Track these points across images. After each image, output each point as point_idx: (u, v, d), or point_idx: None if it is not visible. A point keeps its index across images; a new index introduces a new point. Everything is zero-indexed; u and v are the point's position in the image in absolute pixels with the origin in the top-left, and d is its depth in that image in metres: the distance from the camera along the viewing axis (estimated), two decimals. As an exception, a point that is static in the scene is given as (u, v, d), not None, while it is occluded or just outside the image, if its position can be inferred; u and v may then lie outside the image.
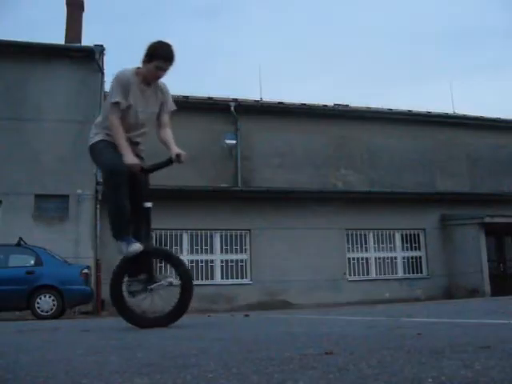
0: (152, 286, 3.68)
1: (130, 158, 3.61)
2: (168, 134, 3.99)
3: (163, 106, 3.94)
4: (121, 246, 3.61)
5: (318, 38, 61.97)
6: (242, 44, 66.07)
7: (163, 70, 3.69)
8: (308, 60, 59.41)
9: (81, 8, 17.02)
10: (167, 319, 3.67)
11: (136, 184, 3.76)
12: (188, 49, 60.54)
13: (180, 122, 17.29)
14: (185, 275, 3.68)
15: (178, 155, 3.78)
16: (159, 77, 3.74)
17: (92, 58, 14.34)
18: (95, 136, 3.79)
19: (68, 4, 16.85)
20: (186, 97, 16.66)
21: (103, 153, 3.70)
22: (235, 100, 16.93)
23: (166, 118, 4.00)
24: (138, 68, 3.73)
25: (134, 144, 3.85)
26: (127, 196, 3.68)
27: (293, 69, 59.57)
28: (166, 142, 3.95)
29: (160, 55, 3.63)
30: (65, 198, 13.49)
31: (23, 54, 14.35)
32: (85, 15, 17.11)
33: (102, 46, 14.56)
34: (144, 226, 3.80)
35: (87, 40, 24.49)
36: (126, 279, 3.71)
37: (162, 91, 3.90)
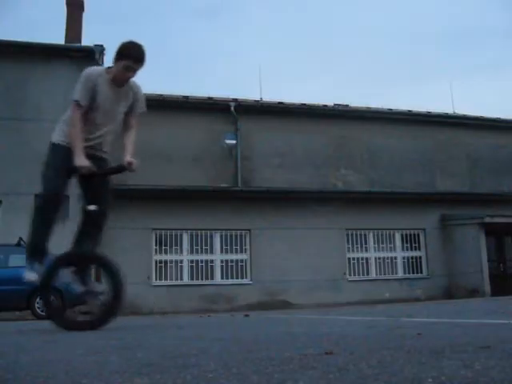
0: (85, 291, 3.75)
1: (80, 160, 3.52)
2: (130, 137, 3.89)
3: (133, 107, 3.86)
4: (25, 268, 3.59)
5: (317, 38, 61.99)
6: (242, 44, 66.09)
7: (132, 70, 3.63)
8: (308, 60, 59.42)
9: (81, 8, 17.03)
10: (92, 324, 3.66)
11: (90, 186, 3.71)
12: (188, 49, 60.57)
13: (180, 121, 17.46)
14: (118, 288, 3.69)
15: (129, 163, 3.69)
16: (128, 77, 3.66)
17: (92, 57, 14.33)
18: (57, 134, 3.75)
19: (68, 4, 16.86)
20: (186, 97, 16.67)
21: (53, 168, 3.64)
22: (235, 100, 16.93)
23: (133, 119, 3.92)
24: (109, 67, 3.68)
25: (96, 144, 3.78)
26: (52, 223, 3.66)
27: (293, 69, 59.59)
28: (125, 146, 3.85)
29: (130, 55, 3.58)
30: (65, 198, 13.48)
31: (23, 53, 14.36)
32: (85, 15, 17.14)
33: (102, 46, 14.56)
34: (89, 229, 3.77)
35: (87, 40, 24.53)
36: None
37: (134, 92, 3.83)
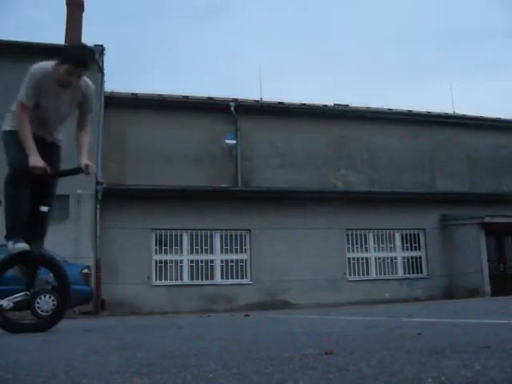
0: (31, 292, 3.72)
1: (35, 160, 3.47)
2: (84, 137, 3.83)
3: (83, 106, 3.78)
4: (8, 244, 3.56)
5: (317, 38, 61.97)
6: (242, 44, 66.05)
7: (75, 75, 3.52)
8: (308, 60, 59.41)
9: (81, 8, 17.02)
10: (39, 326, 3.70)
11: (40, 186, 3.63)
12: (188, 49, 60.56)
13: (180, 122, 17.44)
14: (64, 290, 3.68)
15: (86, 166, 3.66)
16: (71, 81, 3.55)
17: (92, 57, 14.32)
18: (9, 122, 3.74)
19: (68, 4, 16.85)
20: (186, 97, 16.67)
21: (15, 147, 3.59)
22: (235, 100, 16.93)
23: (85, 119, 3.84)
24: (58, 64, 3.57)
25: (46, 143, 3.76)
26: (26, 197, 3.58)
27: (293, 69, 59.58)
28: (80, 147, 3.79)
29: (72, 60, 3.49)
30: (65, 197, 13.47)
31: (23, 53, 14.32)
32: (85, 15, 17.12)
33: (102, 45, 14.55)
34: (38, 229, 3.70)
35: (87, 40, 24.48)
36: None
37: (82, 92, 3.71)
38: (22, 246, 3.49)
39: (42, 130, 3.73)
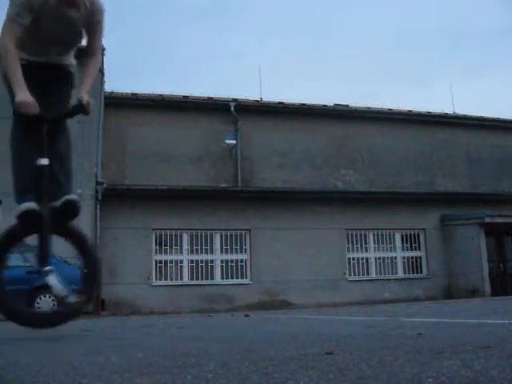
0: (47, 269, 2.85)
1: (22, 95, 2.77)
2: (90, 68, 3.10)
3: (90, 27, 3.03)
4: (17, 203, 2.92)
5: (318, 38, 61.97)
6: (242, 44, 66.05)
7: None
8: (308, 60, 59.41)
9: (81, 8, 17.01)
10: (60, 316, 2.95)
11: (40, 134, 2.90)
12: (188, 49, 60.57)
13: (180, 122, 17.43)
14: (93, 265, 2.99)
15: (87, 103, 2.94)
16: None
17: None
18: None
19: (68, 4, 16.85)
20: (186, 97, 16.68)
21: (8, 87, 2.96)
22: (235, 100, 16.94)
23: (93, 44, 3.10)
24: None
25: (51, 66, 3.09)
26: (27, 148, 2.93)
27: (293, 69, 59.58)
28: (82, 79, 3.07)
29: None
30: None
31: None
32: (85, 15, 17.11)
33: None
34: (43, 189, 2.88)
35: (87, 40, 24.42)
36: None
37: (88, 9, 2.95)
38: (25, 205, 2.83)
39: (43, 55, 3.07)
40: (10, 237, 2.97)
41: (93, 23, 3.01)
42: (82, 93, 2.98)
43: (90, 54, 3.11)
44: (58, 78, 3.14)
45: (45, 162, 2.86)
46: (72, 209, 2.96)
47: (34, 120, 2.83)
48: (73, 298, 2.84)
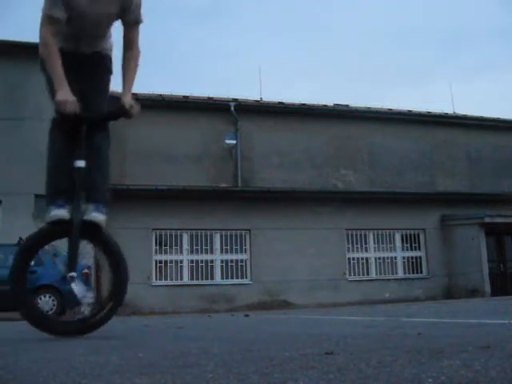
0: (72, 275, 2.79)
1: (61, 94, 2.68)
2: (130, 64, 2.92)
3: (124, 14, 2.86)
4: (48, 209, 2.84)
5: (318, 38, 61.99)
6: (242, 44, 66.07)
7: None
8: (308, 60, 59.41)
9: (81, 8, 17.01)
10: (87, 324, 2.87)
11: (80, 135, 2.81)
12: (188, 49, 60.57)
13: (180, 121, 17.44)
14: (122, 273, 2.97)
15: (131, 107, 2.83)
16: None
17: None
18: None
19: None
20: (186, 97, 16.68)
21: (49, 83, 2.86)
22: (235, 100, 16.94)
23: (130, 34, 2.92)
24: None
25: (86, 55, 2.96)
26: (62, 150, 2.85)
27: (293, 69, 59.58)
28: (123, 79, 2.92)
29: None
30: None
31: (24, 54, 14.35)
32: (85, 15, 17.11)
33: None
34: (76, 192, 2.80)
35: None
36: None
37: None
38: (55, 213, 2.75)
39: (76, 44, 2.95)
40: (38, 239, 2.92)
41: (128, 14, 2.86)
42: (124, 97, 2.83)
43: (128, 45, 2.92)
44: (94, 66, 2.98)
45: (81, 164, 2.79)
46: (94, 229, 2.84)
47: (73, 119, 2.74)
48: (91, 306, 2.86)
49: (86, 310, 2.82)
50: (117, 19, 2.91)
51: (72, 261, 2.78)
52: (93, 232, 2.83)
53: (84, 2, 2.76)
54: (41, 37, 2.76)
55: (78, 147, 2.80)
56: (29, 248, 2.89)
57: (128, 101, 2.82)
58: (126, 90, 2.88)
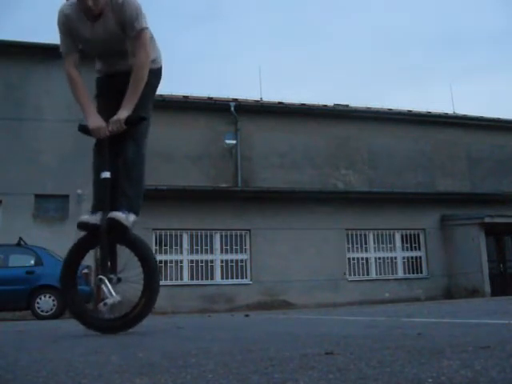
0: (117, 277, 3.01)
1: (91, 122, 2.93)
2: (133, 75, 2.95)
3: (125, 28, 2.94)
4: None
5: (318, 39, 61.99)
6: (242, 44, 66.09)
7: None
8: (308, 60, 59.42)
9: (81, 8, 17.01)
10: (124, 322, 3.03)
11: (101, 147, 3.00)
12: (188, 49, 60.57)
13: (180, 121, 17.44)
14: (153, 274, 3.02)
15: (116, 121, 2.94)
16: (88, 6, 2.81)
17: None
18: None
19: (68, 4, 16.85)
20: (186, 97, 16.68)
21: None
22: (235, 100, 16.94)
23: (133, 43, 2.97)
24: None
25: (123, 73, 3.07)
26: (100, 165, 2.99)
27: (293, 69, 59.59)
28: (129, 87, 2.98)
29: None
30: (65, 198, 13.48)
31: (23, 54, 14.37)
32: (85, 15, 17.11)
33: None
34: (106, 199, 2.97)
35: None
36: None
37: (116, 14, 2.89)
38: (83, 218, 2.94)
39: (109, 65, 3.18)
40: (77, 249, 3.10)
41: (126, 28, 2.93)
42: (119, 111, 2.92)
43: (132, 56, 3.00)
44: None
45: (106, 175, 2.95)
46: (115, 225, 2.91)
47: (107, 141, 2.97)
48: (108, 307, 2.95)
49: (104, 309, 2.95)
50: (124, 34, 3.01)
51: (103, 264, 2.95)
52: (117, 232, 2.93)
53: (86, 32, 2.97)
54: (64, 70, 3.04)
55: (103, 159, 2.98)
56: (69, 258, 3.09)
57: (116, 116, 2.92)
58: (124, 103, 2.96)
